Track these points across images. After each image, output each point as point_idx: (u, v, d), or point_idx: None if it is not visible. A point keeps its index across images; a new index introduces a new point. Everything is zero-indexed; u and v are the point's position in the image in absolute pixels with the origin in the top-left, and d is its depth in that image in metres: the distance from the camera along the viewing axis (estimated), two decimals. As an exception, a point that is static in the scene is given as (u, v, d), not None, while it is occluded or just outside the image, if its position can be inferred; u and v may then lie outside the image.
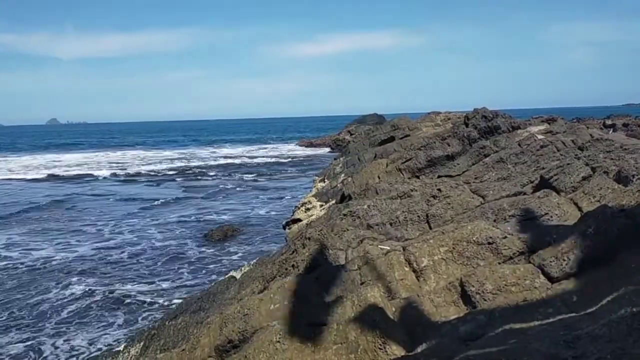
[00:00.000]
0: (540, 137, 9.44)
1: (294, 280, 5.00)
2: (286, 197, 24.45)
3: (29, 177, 37.19)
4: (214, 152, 60.27)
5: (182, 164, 45.15)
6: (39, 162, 50.27)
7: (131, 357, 7.30)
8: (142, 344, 7.39)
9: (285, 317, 4.50)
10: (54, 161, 50.96)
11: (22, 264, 14.39)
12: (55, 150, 69.55)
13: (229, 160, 47.45)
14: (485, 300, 4.14)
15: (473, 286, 4.27)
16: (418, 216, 6.80)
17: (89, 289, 12.12)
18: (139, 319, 10.41)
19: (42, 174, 38.79)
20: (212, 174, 36.57)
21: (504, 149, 9.30)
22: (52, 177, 36.74)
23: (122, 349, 7.87)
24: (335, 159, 19.57)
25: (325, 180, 15.75)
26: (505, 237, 4.86)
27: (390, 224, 6.85)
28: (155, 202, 24.41)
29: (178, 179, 34.07)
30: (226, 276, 9.19)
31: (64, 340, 9.54)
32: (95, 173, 38.68)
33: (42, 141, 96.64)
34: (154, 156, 55.73)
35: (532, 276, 4.14)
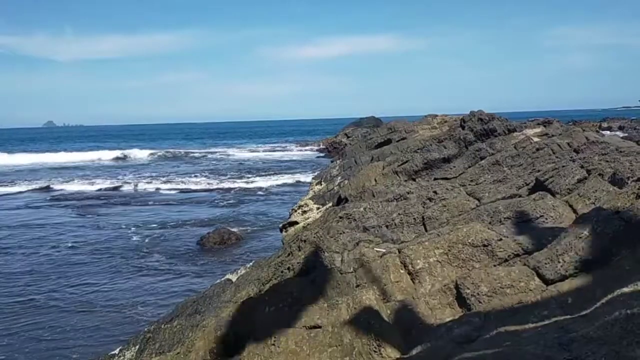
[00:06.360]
0: (536, 139, 9.46)
1: (289, 282, 4.99)
2: (281, 200, 24.42)
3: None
4: (211, 154, 60.18)
5: (182, 166, 45.10)
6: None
7: (126, 361, 7.26)
8: (137, 347, 7.35)
9: (281, 320, 4.48)
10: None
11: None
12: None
13: (225, 163, 47.41)
14: (480, 302, 4.14)
15: (468, 288, 4.26)
16: (414, 218, 6.80)
17: (68, 290, 12.16)
18: (134, 323, 10.36)
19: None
20: (207, 176, 36.51)
21: (499, 152, 9.31)
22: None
23: (117, 352, 7.82)
24: (332, 161, 19.59)
25: (322, 182, 15.74)
26: (501, 240, 4.87)
27: (386, 227, 6.85)
28: (150, 204, 24.38)
29: (177, 181, 33.99)
30: (222, 279, 9.16)
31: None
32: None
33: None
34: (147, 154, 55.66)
35: (527, 278, 4.14)
